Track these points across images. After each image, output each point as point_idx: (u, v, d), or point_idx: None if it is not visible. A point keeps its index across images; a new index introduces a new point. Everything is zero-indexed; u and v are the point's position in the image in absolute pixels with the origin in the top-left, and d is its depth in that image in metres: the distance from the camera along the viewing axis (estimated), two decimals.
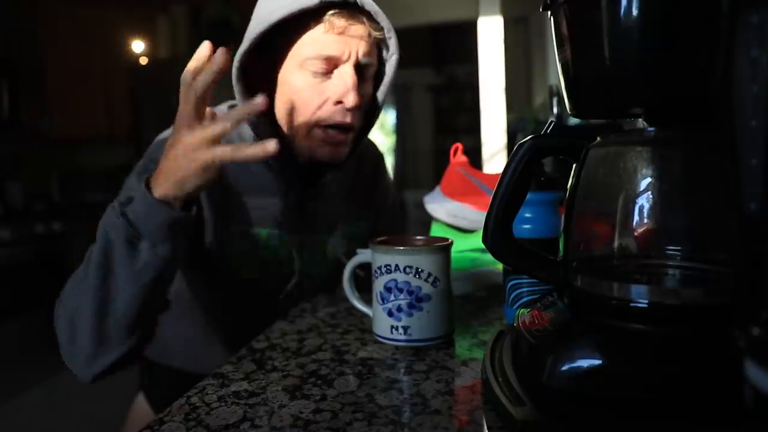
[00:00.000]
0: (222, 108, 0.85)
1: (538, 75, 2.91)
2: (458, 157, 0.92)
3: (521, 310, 0.52)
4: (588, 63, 0.45)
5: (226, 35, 3.24)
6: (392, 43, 0.75)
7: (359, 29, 0.71)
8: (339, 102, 0.73)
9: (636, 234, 0.45)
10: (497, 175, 0.51)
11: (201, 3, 3.39)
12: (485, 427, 0.44)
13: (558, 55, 0.48)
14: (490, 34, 1.31)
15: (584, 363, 0.42)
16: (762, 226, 0.28)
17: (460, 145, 0.93)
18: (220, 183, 0.78)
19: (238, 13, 3.32)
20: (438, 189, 0.92)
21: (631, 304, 0.42)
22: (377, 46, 0.76)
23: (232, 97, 0.78)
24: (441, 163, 4.24)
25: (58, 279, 2.97)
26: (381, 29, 0.73)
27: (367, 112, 0.80)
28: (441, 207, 0.89)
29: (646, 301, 0.41)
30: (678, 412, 0.38)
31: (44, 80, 3.28)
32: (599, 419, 0.40)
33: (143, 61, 3.46)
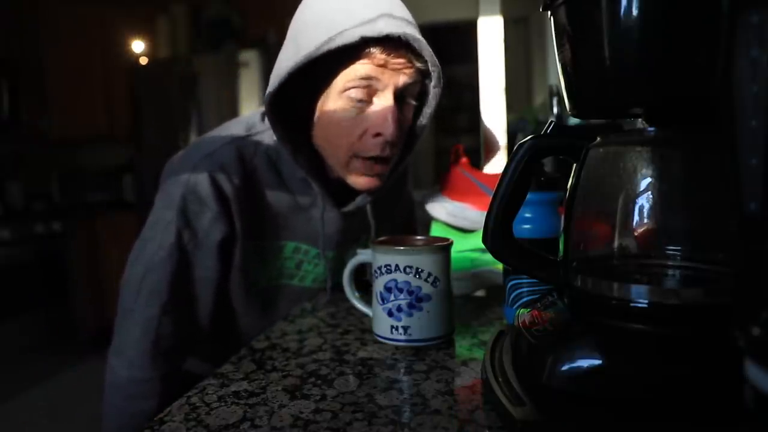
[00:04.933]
0: (256, 117, 0.84)
1: (538, 75, 2.91)
2: (458, 158, 0.92)
3: (521, 310, 0.52)
4: (588, 63, 0.45)
5: (226, 35, 3.24)
6: (435, 75, 0.74)
7: (401, 61, 0.70)
8: (378, 134, 0.72)
9: (636, 234, 0.45)
10: (497, 175, 0.51)
11: (201, 3, 3.39)
12: (485, 427, 0.44)
13: (558, 55, 0.48)
14: (490, 34, 1.31)
15: (584, 363, 0.42)
16: (762, 226, 0.28)
17: (460, 146, 0.93)
18: (256, 200, 0.79)
19: (238, 13, 3.32)
20: (438, 189, 0.92)
21: (631, 304, 0.42)
22: (419, 72, 0.74)
23: (233, 98, 0.78)
24: (441, 163, 4.23)
25: (58, 279, 2.98)
26: (424, 61, 0.72)
27: (407, 136, 0.79)
28: (441, 207, 0.89)
29: (646, 301, 0.41)
30: (678, 412, 0.38)
31: (44, 80, 3.27)
32: (599, 419, 0.40)
33: (143, 61, 3.45)
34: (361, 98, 0.71)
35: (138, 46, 3.56)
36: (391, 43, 0.68)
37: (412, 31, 0.69)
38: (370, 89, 0.70)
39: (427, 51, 0.70)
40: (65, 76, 3.35)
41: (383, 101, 0.71)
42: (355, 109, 0.71)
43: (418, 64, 0.71)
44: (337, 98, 0.72)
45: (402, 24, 0.69)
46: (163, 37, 3.43)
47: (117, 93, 3.48)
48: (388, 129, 0.71)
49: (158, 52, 3.46)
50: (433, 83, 0.75)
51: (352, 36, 0.66)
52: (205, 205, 0.74)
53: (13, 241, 2.80)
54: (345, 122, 0.72)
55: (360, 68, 0.69)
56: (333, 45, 0.66)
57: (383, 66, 0.69)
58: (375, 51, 0.68)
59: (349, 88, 0.70)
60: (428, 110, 0.78)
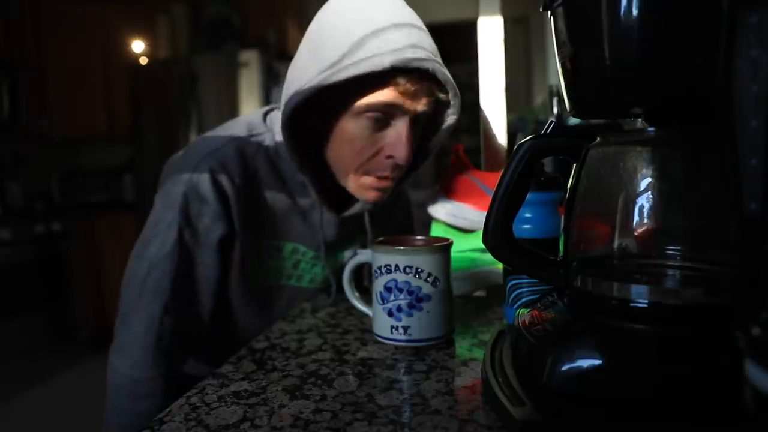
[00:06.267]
0: (256, 118, 0.84)
1: (538, 75, 2.91)
2: (458, 158, 0.92)
3: (521, 310, 0.52)
4: (588, 63, 0.45)
5: (226, 35, 3.24)
6: (455, 104, 0.75)
7: (424, 91, 0.71)
8: (390, 156, 0.73)
9: (636, 234, 0.45)
10: (497, 175, 0.51)
11: (201, 3, 3.39)
12: (485, 427, 0.44)
13: (558, 55, 0.48)
14: (490, 34, 1.31)
15: (584, 363, 0.42)
16: (762, 226, 0.28)
17: (460, 146, 0.93)
18: (256, 199, 0.79)
19: (238, 13, 3.32)
20: (438, 189, 0.92)
21: (631, 304, 0.42)
22: (436, 100, 0.75)
23: (233, 98, 0.78)
24: (441, 163, 4.23)
25: (58, 279, 2.98)
26: (445, 91, 0.73)
27: (414, 153, 0.79)
28: (441, 207, 0.89)
29: (646, 301, 0.41)
30: (678, 412, 0.38)
31: (44, 80, 3.27)
32: (599, 419, 0.40)
33: (143, 61, 3.45)
34: (380, 122, 0.72)
35: (138, 46, 3.56)
36: (418, 74, 0.69)
37: (438, 65, 0.70)
38: (388, 112, 0.71)
39: (451, 84, 0.71)
40: (65, 76, 3.35)
41: (400, 126, 0.72)
42: (372, 130, 0.72)
43: (440, 95, 0.73)
44: (355, 119, 0.72)
45: (429, 55, 0.70)
46: (163, 37, 3.43)
47: (117, 93, 3.48)
48: (402, 154, 0.72)
49: (158, 52, 3.46)
50: (451, 111, 0.77)
51: (381, 63, 0.66)
52: (206, 204, 0.74)
53: (13, 241, 2.79)
54: (359, 142, 0.73)
55: (384, 96, 0.69)
56: (362, 69, 0.66)
57: (407, 95, 0.70)
58: (402, 80, 0.68)
59: (368, 109, 0.71)
60: (442, 135, 0.80)
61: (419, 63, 0.67)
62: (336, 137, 0.75)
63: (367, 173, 0.76)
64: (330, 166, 0.79)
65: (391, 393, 0.51)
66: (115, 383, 0.73)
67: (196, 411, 0.49)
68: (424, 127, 0.78)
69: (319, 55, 0.70)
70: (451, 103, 0.75)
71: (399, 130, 0.72)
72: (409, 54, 0.67)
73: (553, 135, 0.50)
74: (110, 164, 3.80)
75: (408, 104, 0.71)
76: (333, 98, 0.72)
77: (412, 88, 0.69)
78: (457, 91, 0.73)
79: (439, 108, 0.78)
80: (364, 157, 0.74)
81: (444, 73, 0.70)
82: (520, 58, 3.02)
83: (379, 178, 0.76)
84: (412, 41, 0.69)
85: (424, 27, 0.74)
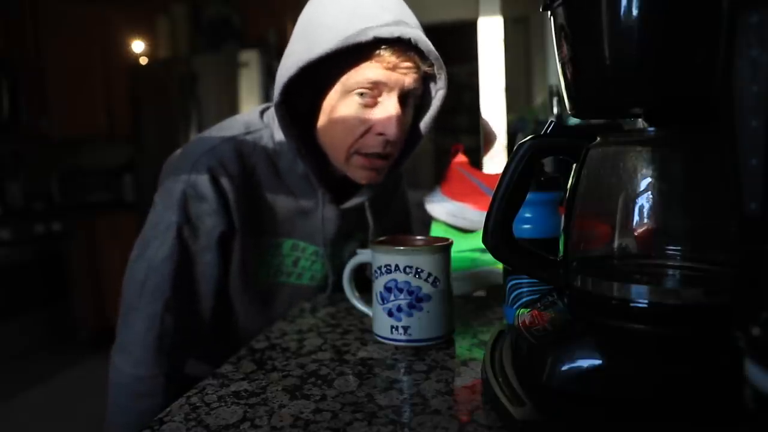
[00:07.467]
0: (254, 116, 0.84)
1: (538, 75, 2.91)
2: (458, 158, 0.92)
3: (521, 310, 0.52)
4: (587, 63, 0.45)
5: (226, 35, 3.24)
6: (441, 78, 0.76)
7: (409, 64, 0.72)
8: (381, 134, 0.73)
9: (636, 234, 0.45)
10: (497, 175, 0.51)
11: (201, 3, 3.39)
12: (485, 427, 0.44)
13: (558, 55, 0.48)
14: (490, 34, 1.31)
15: (584, 363, 0.42)
16: (762, 226, 0.28)
17: (460, 146, 0.93)
18: (255, 197, 0.79)
19: (238, 13, 3.32)
20: (438, 189, 0.92)
21: (631, 304, 0.42)
22: (423, 75, 0.76)
23: (232, 100, 0.78)
24: (441, 163, 4.23)
25: (58, 279, 2.97)
26: (431, 65, 0.73)
27: (407, 138, 0.80)
28: (441, 207, 0.89)
29: (646, 301, 0.41)
30: (678, 412, 0.38)
31: (44, 80, 3.27)
32: (599, 419, 0.40)
33: (143, 61, 3.45)
34: (367, 99, 0.72)
35: (138, 46, 3.56)
36: (401, 46, 0.70)
37: (421, 35, 0.71)
38: (376, 91, 0.72)
39: (434, 55, 0.72)
40: (65, 76, 3.34)
41: (388, 103, 0.72)
42: (360, 109, 0.73)
43: (425, 68, 0.73)
44: (343, 97, 0.73)
45: (413, 29, 0.71)
46: (163, 37, 3.43)
47: (117, 93, 3.48)
48: (392, 130, 0.72)
49: (158, 52, 3.46)
50: (438, 85, 0.77)
51: (365, 35, 0.67)
52: (205, 201, 0.74)
53: (13, 241, 2.79)
54: (349, 121, 0.74)
55: (369, 71, 0.70)
56: (347, 42, 0.67)
57: (391, 69, 0.71)
58: (385, 54, 0.69)
59: (357, 89, 0.72)
60: (432, 112, 0.80)
61: (400, 32, 0.68)
62: (327, 119, 0.76)
63: (359, 153, 0.76)
64: (325, 151, 0.79)
65: (391, 393, 0.51)
66: (118, 382, 0.73)
67: (196, 411, 0.49)
68: (415, 107, 0.79)
69: (308, 39, 0.72)
70: (437, 76, 0.76)
71: (387, 107, 0.73)
72: (392, 26, 0.69)
73: (553, 135, 0.50)
74: (110, 164, 3.80)
75: (393, 80, 0.71)
76: (320, 79, 0.73)
77: (396, 60, 0.70)
78: (442, 62, 0.73)
79: (427, 87, 0.78)
80: (355, 136, 0.75)
81: (426, 43, 0.71)
82: (520, 58, 3.01)
83: (372, 157, 0.76)
84: (396, 17, 0.71)
85: (407, 8, 0.75)
